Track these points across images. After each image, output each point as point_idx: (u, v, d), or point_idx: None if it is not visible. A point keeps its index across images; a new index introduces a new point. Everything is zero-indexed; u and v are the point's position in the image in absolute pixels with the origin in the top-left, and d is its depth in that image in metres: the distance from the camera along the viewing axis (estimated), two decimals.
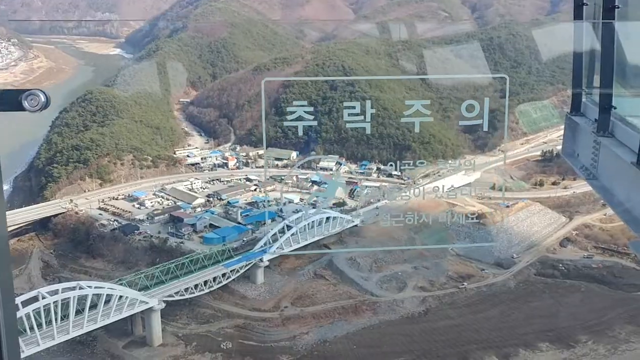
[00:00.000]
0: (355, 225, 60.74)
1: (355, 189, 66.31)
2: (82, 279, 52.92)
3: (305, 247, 58.00)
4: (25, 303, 42.94)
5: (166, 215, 63.73)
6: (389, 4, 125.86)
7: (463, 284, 57.43)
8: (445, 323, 53.26)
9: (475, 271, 59.03)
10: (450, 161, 72.90)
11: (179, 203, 65.93)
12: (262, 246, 56.92)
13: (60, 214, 63.42)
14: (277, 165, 71.40)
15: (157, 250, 58.82)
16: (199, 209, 64.65)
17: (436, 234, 61.01)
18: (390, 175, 69.65)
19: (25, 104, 1.83)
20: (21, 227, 61.19)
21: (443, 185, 64.72)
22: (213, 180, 69.94)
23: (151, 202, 66.08)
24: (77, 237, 61.38)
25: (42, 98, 2.01)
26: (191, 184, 68.91)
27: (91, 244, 60.49)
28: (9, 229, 55.94)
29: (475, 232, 61.10)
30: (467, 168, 72.81)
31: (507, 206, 64.57)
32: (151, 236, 60.80)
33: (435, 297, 56.51)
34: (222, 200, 65.10)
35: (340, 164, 71.89)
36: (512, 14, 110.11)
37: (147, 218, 63.47)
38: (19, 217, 61.16)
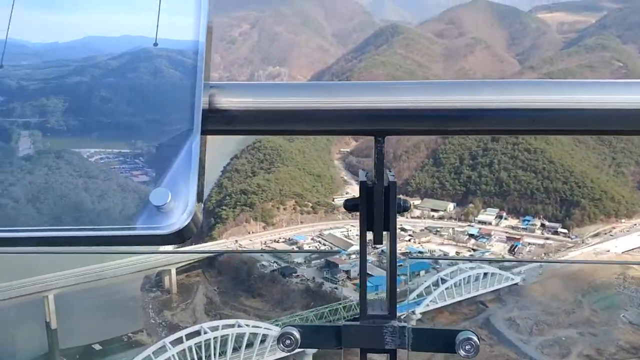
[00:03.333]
0: (516, 284, 57.75)
1: (516, 245, 63.31)
2: (241, 317, 55.25)
3: (459, 302, 56.11)
4: (189, 336, 45.58)
5: (322, 260, 65.09)
6: (558, 54, 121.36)
7: None
8: None
9: None
10: (623, 220, 67.24)
11: (335, 249, 67.12)
12: (415, 298, 55.90)
13: (226, 252, 67.19)
14: (432, 216, 70.43)
15: (312, 294, 60.02)
16: (353, 256, 65.29)
17: (606, 299, 56.09)
18: (555, 232, 65.77)
19: (461, 350, 1.80)
20: (190, 263, 65.54)
21: (615, 246, 59.85)
22: None
23: (309, 247, 67.99)
24: (239, 276, 64.54)
25: (477, 342, 1.89)
26: (347, 231, 69.96)
27: (252, 283, 63.21)
28: (180, 264, 60.43)
29: None
30: None
31: None
32: (307, 280, 62.32)
33: None
34: (376, 248, 65.12)
35: (501, 218, 69.24)
36: None
37: (305, 262, 65.29)
38: (189, 254, 65.68)
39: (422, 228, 67.62)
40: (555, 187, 68.79)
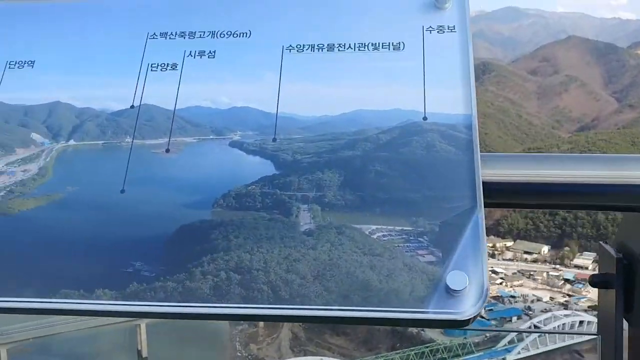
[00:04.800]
0: None
1: None
2: (325, 355, 55.14)
3: (553, 351, 53.59)
4: None
5: None
6: None
7: None
8: None
9: None
10: None
11: None
12: (505, 345, 53.86)
13: None
14: (525, 259, 68.11)
15: (398, 336, 59.11)
16: None
17: None
18: None
19: None
20: None
21: None
22: None
23: None
24: None
25: None
26: None
27: None
28: None
29: None
30: None
31: None
32: None
33: None
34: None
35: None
36: None
37: None
38: None
39: (514, 271, 65.42)
40: None
